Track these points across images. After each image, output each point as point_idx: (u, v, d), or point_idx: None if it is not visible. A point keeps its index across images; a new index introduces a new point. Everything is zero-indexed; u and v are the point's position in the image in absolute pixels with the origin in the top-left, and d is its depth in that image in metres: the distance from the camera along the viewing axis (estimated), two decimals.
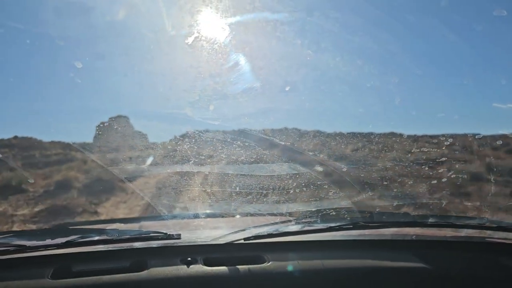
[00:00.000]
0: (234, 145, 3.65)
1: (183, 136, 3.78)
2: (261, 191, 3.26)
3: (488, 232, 1.92)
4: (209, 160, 3.75)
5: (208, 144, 3.67)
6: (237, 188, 3.46)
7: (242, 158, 3.61)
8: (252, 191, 3.30)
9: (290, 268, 1.64)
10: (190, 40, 3.53)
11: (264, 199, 3.18)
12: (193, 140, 3.59)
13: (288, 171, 3.39)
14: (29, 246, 1.63)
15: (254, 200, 3.24)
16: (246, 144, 3.61)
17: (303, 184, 3.20)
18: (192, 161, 3.47)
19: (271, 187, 3.23)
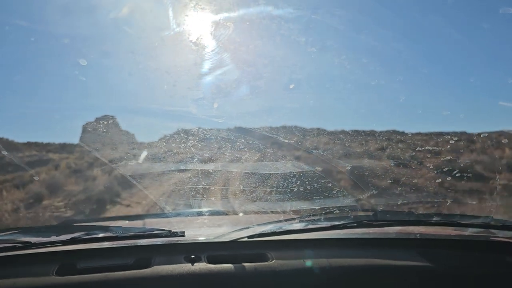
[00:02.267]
0: (237, 143, 3.65)
1: (177, 133, 3.77)
2: (265, 189, 3.26)
3: (493, 231, 1.91)
4: (207, 157, 3.75)
5: (208, 141, 3.67)
6: (241, 185, 3.46)
7: (246, 156, 3.60)
8: (256, 189, 3.30)
9: (293, 266, 1.64)
10: (194, 38, 3.53)
11: (268, 197, 3.18)
12: (191, 137, 3.58)
13: (292, 169, 3.39)
14: (34, 243, 1.65)
15: (258, 198, 3.24)
16: (250, 142, 3.60)
17: (307, 182, 3.20)
18: (196, 159, 3.48)
19: (275, 185, 3.23)
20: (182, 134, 3.82)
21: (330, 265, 1.65)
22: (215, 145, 3.69)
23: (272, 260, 1.66)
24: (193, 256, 1.64)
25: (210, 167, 3.73)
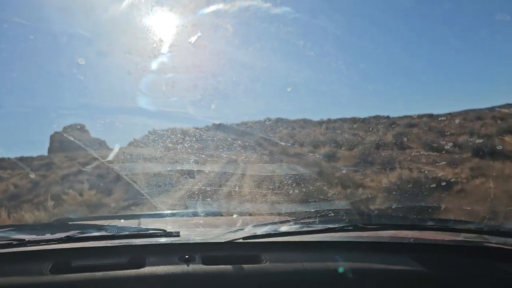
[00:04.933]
0: (219, 142, 3.63)
1: (150, 134, 3.73)
2: (260, 190, 3.27)
3: (486, 236, 1.92)
4: (180, 157, 3.69)
5: (186, 140, 3.64)
6: (236, 187, 3.46)
7: (222, 154, 3.58)
8: (252, 190, 3.30)
9: (287, 268, 1.64)
10: (193, 39, 3.53)
11: (263, 199, 3.19)
12: (167, 138, 3.56)
13: (287, 172, 3.40)
14: (29, 241, 1.64)
15: (253, 199, 3.25)
16: (232, 140, 3.59)
17: (302, 185, 3.20)
18: (170, 160, 3.45)
19: (271, 187, 3.24)
20: (136, 139, 3.75)
21: (323, 268, 1.66)
22: (191, 144, 3.65)
23: (266, 262, 1.66)
24: (187, 257, 1.64)
25: (205, 168, 3.73)
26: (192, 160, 3.54)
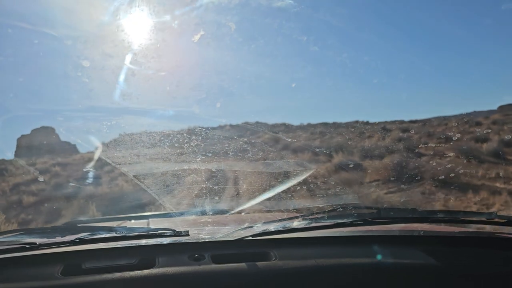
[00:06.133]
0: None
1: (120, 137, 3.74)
2: (268, 187, 3.26)
3: (497, 227, 1.90)
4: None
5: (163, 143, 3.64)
6: (244, 184, 3.46)
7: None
8: (259, 187, 3.30)
9: (297, 265, 1.64)
10: (196, 37, 3.53)
11: (271, 196, 3.19)
12: (146, 139, 3.56)
13: (294, 168, 3.39)
14: (40, 244, 1.66)
15: (260, 196, 3.25)
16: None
17: (310, 181, 3.20)
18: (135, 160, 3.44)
19: (278, 184, 3.23)
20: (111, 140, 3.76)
21: (333, 263, 1.65)
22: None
23: (276, 259, 1.66)
24: (197, 255, 1.64)
25: (212, 166, 3.73)
26: (198, 158, 3.54)
